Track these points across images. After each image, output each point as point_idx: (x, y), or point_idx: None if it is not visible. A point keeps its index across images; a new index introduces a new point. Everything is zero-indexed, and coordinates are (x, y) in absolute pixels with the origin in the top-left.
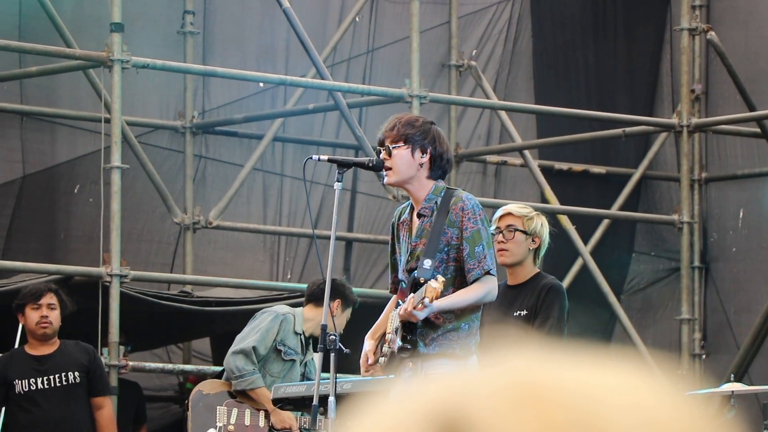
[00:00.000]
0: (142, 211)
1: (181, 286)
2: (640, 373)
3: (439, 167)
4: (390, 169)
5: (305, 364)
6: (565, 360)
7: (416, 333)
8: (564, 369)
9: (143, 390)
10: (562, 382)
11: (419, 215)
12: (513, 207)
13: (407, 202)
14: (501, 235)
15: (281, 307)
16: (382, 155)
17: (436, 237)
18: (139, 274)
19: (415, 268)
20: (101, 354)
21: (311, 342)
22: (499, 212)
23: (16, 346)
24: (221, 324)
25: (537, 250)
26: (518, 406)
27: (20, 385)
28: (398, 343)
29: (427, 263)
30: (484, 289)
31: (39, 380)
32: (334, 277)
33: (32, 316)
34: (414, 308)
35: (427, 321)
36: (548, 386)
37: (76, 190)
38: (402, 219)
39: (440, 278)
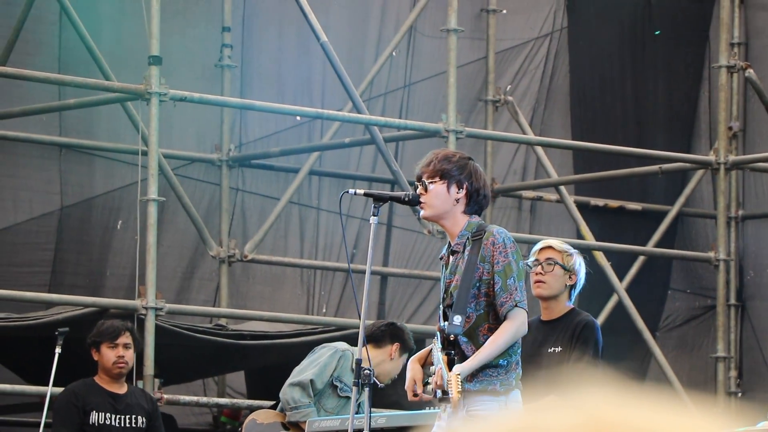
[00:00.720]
0: (186, 247)
1: (217, 319)
2: (702, 418)
3: (475, 203)
4: (425, 203)
5: (360, 404)
6: (635, 402)
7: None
8: (633, 411)
9: (178, 424)
10: (632, 425)
11: (453, 252)
12: (554, 241)
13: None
14: (540, 267)
15: (341, 344)
16: (419, 190)
17: (467, 287)
18: (174, 307)
19: (452, 305)
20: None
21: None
22: (540, 245)
23: (52, 376)
24: (255, 358)
25: (572, 288)
26: None
27: (95, 417)
28: (438, 393)
29: (457, 320)
30: (514, 326)
31: (113, 417)
32: (396, 321)
33: (109, 354)
34: (440, 384)
35: (460, 361)
36: (619, 428)
37: (119, 226)
38: (442, 254)
39: (457, 371)
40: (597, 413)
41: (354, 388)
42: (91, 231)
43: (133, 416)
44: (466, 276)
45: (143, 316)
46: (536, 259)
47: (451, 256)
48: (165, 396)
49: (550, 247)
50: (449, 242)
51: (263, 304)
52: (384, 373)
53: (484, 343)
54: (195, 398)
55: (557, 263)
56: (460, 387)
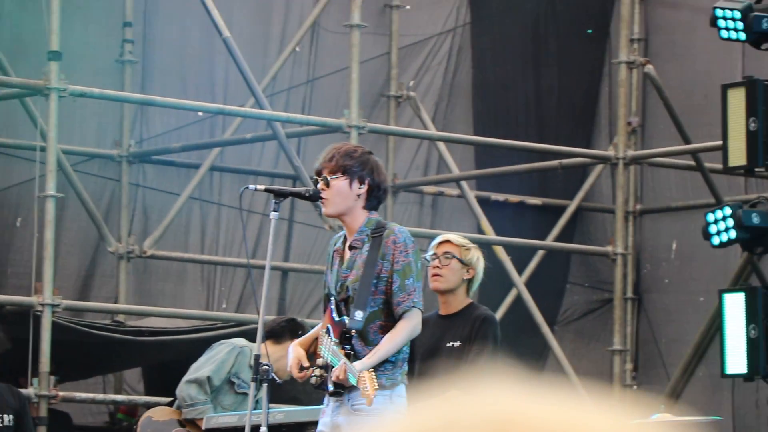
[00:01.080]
0: (87, 244)
1: (114, 315)
2: (614, 414)
3: (375, 197)
4: (327, 200)
5: (257, 400)
6: (541, 397)
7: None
8: (539, 406)
9: (73, 421)
10: (538, 420)
11: (351, 247)
12: (452, 236)
13: (342, 232)
14: (437, 260)
15: (239, 340)
16: (320, 186)
17: (368, 283)
18: (72, 303)
19: (346, 299)
20: (31, 384)
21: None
22: (438, 239)
23: None
24: (153, 354)
25: (470, 282)
26: None
27: None
28: (330, 387)
29: (359, 315)
30: (411, 325)
31: None
32: (295, 317)
33: None
34: (344, 377)
35: (354, 356)
36: (525, 423)
37: (18, 223)
38: (335, 248)
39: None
40: (507, 408)
41: (252, 384)
42: None
43: None
44: (366, 272)
45: (39, 313)
46: (434, 253)
47: (348, 251)
48: (61, 393)
49: (448, 241)
50: (344, 236)
51: (165, 301)
52: (282, 369)
53: (373, 339)
54: (91, 395)
55: (455, 257)
56: (376, 384)
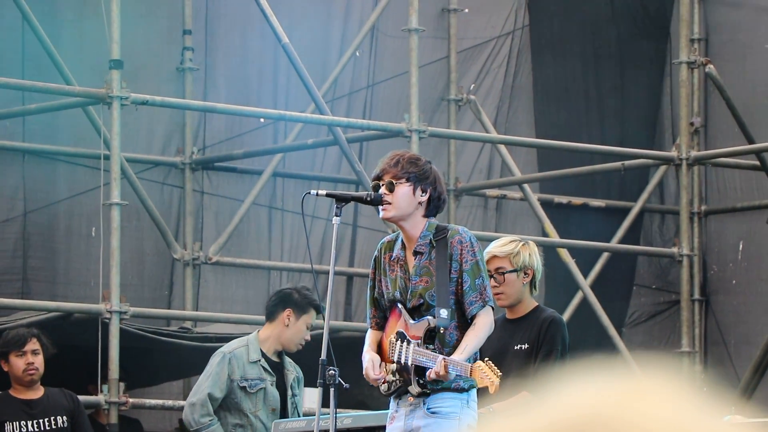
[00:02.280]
0: (150, 251)
1: (181, 322)
2: (699, 409)
3: (435, 207)
4: (390, 203)
5: (294, 402)
6: (629, 393)
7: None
8: (628, 403)
9: (143, 427)
10: (627, 416)
11: (416, 252)
12: (495, 248)
13: (392, 235)
14: (492, 279)
15: (228, 345)
16: (383, 190)
17: (445, 283)
18: (139, 310)
19: (418, 308)
20: (101, 391)
21: (282, 359)
22: (485, 255)
23: None
24: None
25: (532, 281)
26: None
27: (11, 427)
28: (415, 389)
29: (444, 313)
30: (489, 322)
31: (30, 423)
32: (285, 287)
33: (18, 363)
34: (444, 373)
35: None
36: (613, 419)
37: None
38: (395, 256)
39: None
40: (592, 407)
41: (319, 389)
42: (56, 236)
43: (52, 418)
44: (440, 274)
45: (108, 320)
46: (488, 271)
47: (413, 257)
48: (131, 400)
49: (495, 257)
50: (402, 242)
51: (231, 307)
52: (287, 342)
53: (450, 340)
54: (161, 402)
55: (507, 271)
56: (496, 369)
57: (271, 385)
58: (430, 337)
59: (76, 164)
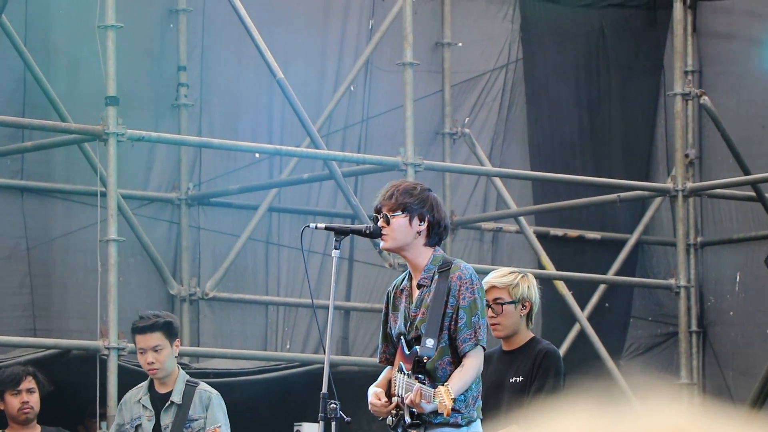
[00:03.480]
0: (146, 286)
1: (179, 358)
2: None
3: (436, 234)
4: (387, 235)
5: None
6: (711, 418)
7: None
8: (709, 426)
9: None
10: None
11: (419, 285)
12: (495, 279)
13: (405, 272)
14: (490, 309)
15: (127, 395)
16: (380, 223)
17: (438, 315)
18: None
19: (416, 339)
20: (100, 428)
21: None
22: (484, 285)
23: None
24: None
25: (529, 314)
26: None
27: None
28: (407, 420)
29: (430, 342)
30: (477, 364)
31: None
32: (159, 312)
33: (13, 402)
34: (419, 401)
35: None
36: None
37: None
38: (402, 286)
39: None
40: (674, 428)
41: (321, 423)
42: (55, 273)
43: None
44: (435, 305)
45: (105, 357)
46: (485, 301)
47: (417, 290)
48: None
49: (494, 287)
50: (409, 273)
51: (228, 343)
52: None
53: (442, 376)
54: None
55: (505, 303)
56: (452, 396)
57: (148, 420)
58: (419, 368)
59: (73, 201)
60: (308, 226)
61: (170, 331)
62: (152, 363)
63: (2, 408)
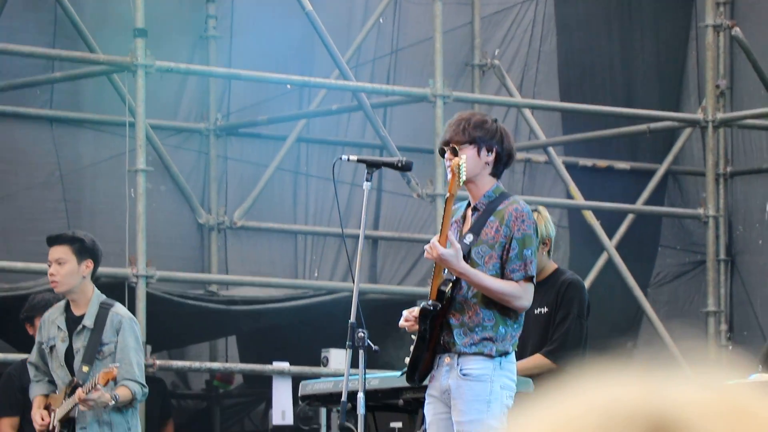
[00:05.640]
0: (174, 215)
1: (207, 285)
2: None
3: (504, 164)
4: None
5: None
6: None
7: (453, 331)
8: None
9: (171, 388)
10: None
11: (474, 208)
12: None
13: (464, 203)
14: None
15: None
16: (447, 155)
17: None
18: (165, 274)
19: (465, 258)
20: None
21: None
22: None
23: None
24: (247, 323)
25: (549, 248)
26: (732, 423)
27: None
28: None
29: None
30: (519, 292)
31: None
32: (78, 231)
33: None
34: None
35: (467, 319)
36: (762, 412)
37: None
38: (462, 213)
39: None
40: (739, 395)
41: (348, 351)
42: (84, 202)
43: None
44: (487, 229)
45: (134, 284)
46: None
47: (472, 214)
48: (157, 362)
49: None
50: (468, 203)
51: (257, 271)
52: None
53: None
54: (188, 363)
55: None
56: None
57: (61, 341)
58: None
59: (102, 131)
60: (340, 158)
61: (80, 249)
62: (53, 275)
63: (32, 333)
